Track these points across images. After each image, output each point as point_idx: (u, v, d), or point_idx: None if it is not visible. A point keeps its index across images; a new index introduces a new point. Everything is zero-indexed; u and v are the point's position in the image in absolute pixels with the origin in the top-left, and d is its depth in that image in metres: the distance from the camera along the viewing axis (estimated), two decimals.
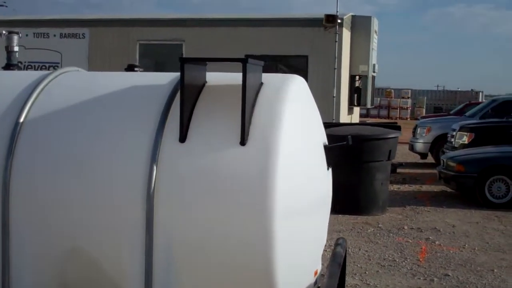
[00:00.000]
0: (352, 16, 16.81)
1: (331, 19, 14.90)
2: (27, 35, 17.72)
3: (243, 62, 3.68)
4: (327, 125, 12.84)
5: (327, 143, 4.47)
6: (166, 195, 3.75)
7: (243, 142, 3.71)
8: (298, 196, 3.85)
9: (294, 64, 16.04)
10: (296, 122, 3.94)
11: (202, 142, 3.80)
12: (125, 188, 3.81)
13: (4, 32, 4.85)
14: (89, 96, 4.16)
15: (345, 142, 4.28)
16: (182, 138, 3.81)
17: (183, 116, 3.79)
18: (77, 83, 4.38)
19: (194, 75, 3.95)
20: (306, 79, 14.28)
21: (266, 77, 4.17)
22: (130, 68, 4.67)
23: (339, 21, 15.17)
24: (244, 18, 16.07)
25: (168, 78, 4.21)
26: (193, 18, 16.52)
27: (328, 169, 4.41)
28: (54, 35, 17.49)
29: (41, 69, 17.65)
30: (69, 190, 3.89)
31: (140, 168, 3.79)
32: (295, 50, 15.59)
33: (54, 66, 17.55)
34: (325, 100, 15.29)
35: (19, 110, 4.11)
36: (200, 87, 4.03)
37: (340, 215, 10.60)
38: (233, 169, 3.69)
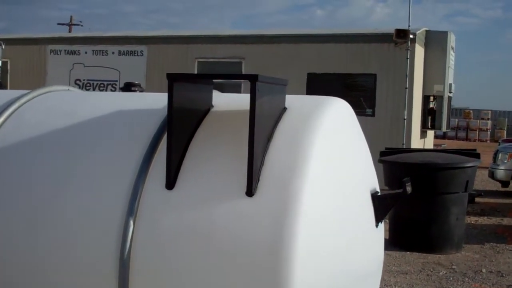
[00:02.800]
0: (426, 31, 15.43)
1: (402, 34, 13.62)
2: (86, 52, 17.38)
3: (251, 80, 2.63)
4: (395, 151, 11.64)
5: (377, 189, 3.33)
6: (144, 261, 2.73)
7: (250, 192, 2.65)
8: (327, 274, 2.74)
9: (361, 83, 14.82)
10: (329, 165, 2.85)
11: (195, 189, 2.77)
12: (93, 252, 2.81)
13: None
14: (64, 124, 3.20)
15: (401, 190, 3.15)
16: (169, 183, 2.78)
17: (171, 153, 2.78)
18: (55, 107, 3.43)
19: (192, 98, 2.93)
20: (374, 99, 13.04)
21: (293, 101, 3.10)
22: (127, 87, 3.71)
23: (411, 36, 13.85)
24: (307, 34, 15.03)
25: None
26: (253, 34, 15.63)
27: (377, 226, 3.27)
28: (113, 53, 17.00)
29: (99, 87, 17.21)
30: (23, 250, 2.93)
31: (113, 225, 2.79)
32: (362, 68, 14.37)
33: (113, 84, 17.05)
34: (394, 123, 14.01)
35: None
36: (201, 114, 3.00)
37: (407, 253, 9.40)
38: (234, 229, 2.63)
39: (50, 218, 2.90)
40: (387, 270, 8.86)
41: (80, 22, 40.63)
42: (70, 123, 3.19)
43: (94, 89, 17.16)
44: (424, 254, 9.49)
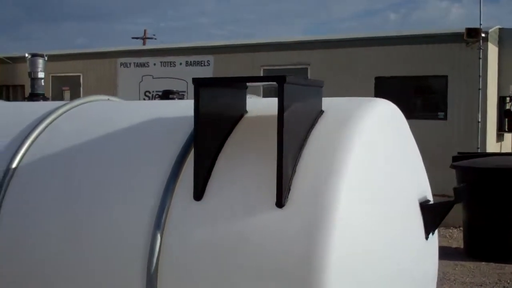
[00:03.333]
0: (500, 29, 14.70)
1: (473, 34, 13.01)
2: (154, 64, 17.62)
3: (279, 82, 2.45)
4: (469, 156, 11.09)
5: (428, 198, 3.06)
6: (172, 276, 2.59)
7: (280, 203, 2.46)
8: None
9: (432, 86, 14.27)
10: (367, 173, 2.62)
11: (223, 201, 2.61)
12: (121, 265, 2.70)
13: (27, 55, 3.98)
14: (97, 134, 3.12)
15: (453, 200, 2.87)
16: (197, 194, 2.63)
17: (198, 162, 2.63)
18: (90, 118, 3.37)
19: (222, 103, 2.77)
20: (445, 102, 12.47)
21: (332, 103, 2.90)
22: (165, 95, 3.60)
23: (483, 35, 13.21)
24: (373, 37, 14.59)
25: None
26: (318, 40, 15.34)
27: (427, 238, 2.99)
28: (180, 63, 17.14)
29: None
30: (56, 262, 2.86)
31: (140, 238, 2.66)
32: (432, 70, 13.82)
33: (181, 94, 17.18)
34: (468, 126, 13.40)
35: (13, 152, 3.18)
36: (233, 120, 2.84)
37: (483, 264, 8.93)
38: (263, 243, 2.45)
39: (80, 232, 2.82)
40: (461, 282, 8.42)
41: (154, 35, 41.43)
42: (103, 133, 3.10)
43: None
44: (501, 264, 8.98)
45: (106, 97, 3.79)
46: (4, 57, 18.34)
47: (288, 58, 15.34)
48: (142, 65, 17.78)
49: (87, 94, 18.59)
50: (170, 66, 17.28)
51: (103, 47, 20.40)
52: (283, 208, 2.46)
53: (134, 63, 17.99)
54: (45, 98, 3.86)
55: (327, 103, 2.89)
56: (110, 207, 2.80)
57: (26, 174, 3.10)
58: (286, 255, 2.38)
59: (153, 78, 17.63)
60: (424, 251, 3.01)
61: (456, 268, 9.58)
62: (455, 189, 2.88)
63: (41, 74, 3.86)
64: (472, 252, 10.27)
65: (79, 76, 18.70)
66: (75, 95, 18.59)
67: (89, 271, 2.76)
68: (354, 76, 14.34)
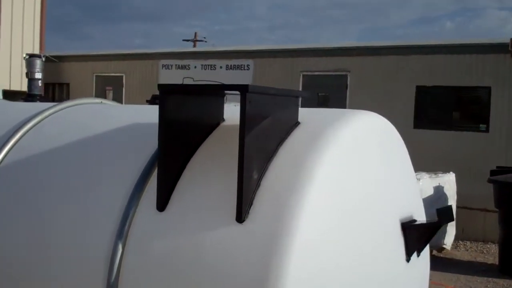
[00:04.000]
0: None
1: None
2: (195, 67, 17.68)
3: (241, 91, 2.32)
4: (508, 170, 10.69)
5: (418, 218, 2.87)
6: (132, 286, 2.50)
7: (239, 217, 2.34)
8: None
9: (474, 97, 13.83)
10: (337, 190, 2.47)
11: (186, 213, 2.50)
12: (83, 275, 2.63)
13: (24, 55, 3.97)
14: (72, 140, 3.06)
15: (436, 221, 2.68)
16: (160, 205, 2.54)
17: (162, 172, 2.53)
18: (73, 121, 3.31)
19: (194, 111, 2.67)
20: (488, 114, 12.11)
21: (312, 114, 2.76)
22: (153, 100, 3.52)
23: None
24: (416, 45, 14.22)
25: None
26: (359, 46, 15.07)
27: (408, 260, 2.81)
28: (221, 67, 17.15)
29: None
30: (21, 267, 2.81)
31: (102, 248, 2.58)
32: (475, 81, 13.40)
33: None
34: (510, 139, 12.94)
35: None
36: (207, 129, 2.74)
37: None
38: (221, 258, 2.33)
39: (44, 239, 2.75)
40: None
41: (204, 38, 41.64)
42: (78, 138, 3.05)
43: None
44: None
45: (99, 100, 3.74)
46: (50, 56, 18.70)
47: (328, 64, 15.15)
48: (183, 67, 17.86)
49: (129, 94, 18.78)
50: (211, 69, 17.31)
51: (147, 49, 20.60)
52: (243, 223, 2.34)
53: (176, 65, 18.09)
54: (42, 99, 3.84)
55: (307, 114, 2.76)
56: (75, 214, 2.73)
57: (3, 175, 3.07)
58: (240, 275, 2.26)
59: (193, 80, 17.68)
60: (404, 275, 2.83)
61: (488, 286, 9.26)
62: (438, 210, 2.69)
63: (38, 75, 3.83)
64: (506, 269, 9.88)
65: (122, 76, 18.92)
66: (117, 95, 18.82)
67: (52, 278, 2.69)
68: (395, 84, 14.03)
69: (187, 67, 17.80)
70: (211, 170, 2.57)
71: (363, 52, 14.81)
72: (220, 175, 2.54)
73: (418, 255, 2.89)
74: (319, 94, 15.33)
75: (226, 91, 2.54)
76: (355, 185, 2.56)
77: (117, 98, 18.12)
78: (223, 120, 2.82)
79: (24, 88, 15.87)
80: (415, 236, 2.77)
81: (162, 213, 2.53)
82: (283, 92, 2.58)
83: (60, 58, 20.53)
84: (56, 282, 2.66)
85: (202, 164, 2.61)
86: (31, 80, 3.86)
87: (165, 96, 2.52)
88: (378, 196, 2.70)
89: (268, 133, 2.48)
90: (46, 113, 3.37)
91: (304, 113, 2.76)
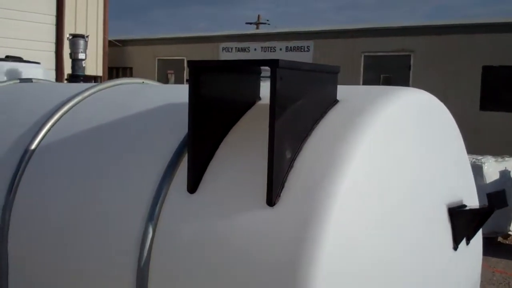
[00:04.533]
0: None
1: None
2: (255, 49, 17.59)
3: (272, 67, 2.19)
4: None
5: (468, 203, 2.68)
6: (162, 270, 2.43)
7: (270, 201, 2.22)
8: None
9: None
10: (377, 172, 2.31)
11: (217, 194, 2.39)
12: (112, 258, 2.57)
13: (68, 36, 3.94)
14: (107, 120, 3.01)
15: (486, 206, 2.48)
16: (191, 187, 2.44)
17: (193, 153, 2.43)
18: (112, 101, 3.26)
19: (227, 90, 2.55)
20: None
21: (352, 92, 2.61)
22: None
23: None
24: (482, 23, 13.63)
25: None
26: (423, 25, 14.58)
27: (456, 248, 2.62)
28: (280, 49, 16.99)
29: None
30: (50, 253, 2.79)
31: (133, 229, 2.52)
32: None
33: None
34: None
35: (33, 133, 3.14)
36: (242, 108, 2.62)
37: None
38: (252, 242, 2.22)
39: (77, 219, 2.72)
40: None
41: (267, 20, 41.30)
42: (114, 118, 2.99)
43: None
44: None
45: (140, 80, 3.68)
46: (114, 40, 19.00)
47: (390, 45, 14.76)
48: (243, 50, 17.80)
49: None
50: (270, 51, 17.18)
51: (207, 32, 20.63)
52: (274, 207, 2.21)
53: (236, 47, 18.05)
54: (86, 79, 3.81)
55: (347, 91, 2.60)
56: (109, 196, 2.68)
57: (41, 157, 3.05)
58: (269, 261, 2.14)
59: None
60: (452, 263, 2.64)
61: None
62: (488, 194, 2.49)
63: (81, 55, 3.80)
64: None
65: (183, 59, 19.03)
66: (179, 79, 18.96)
67: (86, 258, 2.65)
68: (460, 64, 13.52)
69: (247, 50, 17.73)
70: (244, 151, 2.46)
71: (427, 31, 14.34)
72: (253, 156, 2.42)
73: (467, 243, 2.69)
74: (382, 75, 14.98)
75: (262, 67, 2.41)
76: (398, 167, 2.39)
77: (179, 82, 18.26)
78: (259, 98, 2.69)
79: (89, 71, 16.20)
80: (464, 222, 2.58)
81: (193, 195, 2.44)
82: (318, 67, 2.42)
83: (124, 43, 20.84)
84: (89, 263, 2.62)
85: (235, 145, 2.50)
86: (74, 60, 3.84)
87: (196, 74, 2.41)
88: (423, 179, 2.51)
89: (302, 111, 2.34)
90: (86, 93, 3.34)
91: (344, 91, 2.60)
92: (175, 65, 19.34)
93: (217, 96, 2.51)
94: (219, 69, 2.50)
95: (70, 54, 3.93)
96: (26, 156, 3.08)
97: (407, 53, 14.58)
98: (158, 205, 2.49)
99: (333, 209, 2.14)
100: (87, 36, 3.94)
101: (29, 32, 13.85)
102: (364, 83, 15.07)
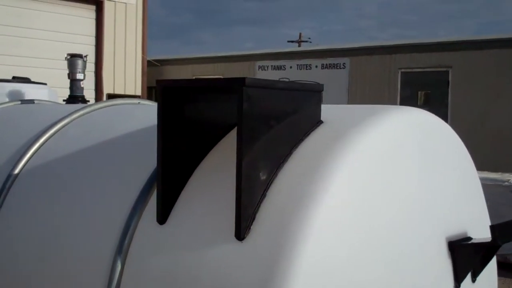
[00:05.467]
0: None
1: None
2: (291, 67, 17.42)
3: (237, 86, 1.99)
4: None
5: (470, 234, 2.41)
6: None
7: (238, 234, 2.01)
8: None
9: None
10: (362, 201, 2.07)
11: (185, 225, 2.20)
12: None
13: (66, 55, 3.82)
14: (92, 143, 2.86)
15: (491, 240, 2.21)
16: (160, 217, 2.25)
17: (162, 181, 2.24)
18: (99, 123, 3.12)
19: (199, 111, 2.36)
20: None
21: (339, 111, 2.39)
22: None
23: None
24: None
25: None
26: (462, 40, 14.15)
27: (458, 286, 2.33)
28: (316, 66, 16.77)
29: None
30: (32, 267, 2.64)
31: (102, 261, 2.34)
32: None
33: None
34: None
35: (18, 158, 3.02)
36: (220, 130, 2.42)
37: None
38: (220, 277, 2.01)
39: (46, 251, 2.56)
40: None
41: (309, 38, 41.20)
42: (97, 142, 2.84)
43: None
44: None
45: (137, 100, 3.53)
46: (153, 60, 19.11)
47: (428, 61, 14.38)
48: (279, 68, 17.65)
49: None
50: (306, 69, 16.98)
51: (243, 51, 20.57)
52: (243, 241, 2.00)
53: (271, 66, 17.91)
54: (83, 100, 3.69)
55: (334, 111, 2.38)
56: (80, 226, 2.51)
57: (25, 179, 2.93)
58: None
59: (289, 81, 17.42)
60: None
61: None
62: (492, 227, 2.21)
63: (79, 76, 3.68)
64: None
65: (220, 78, 18.99)
66: None
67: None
68: (503, 80, 13.04)
69: (282, 68, 17.58)
70: (219, 178, 2.26)
71: (465, 46, 13.91)
72: (228, 184, 2.21)
73: (473, 280, 2.41)
74: (419, 92, 14.60)
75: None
76: (385, 196, 2.15)
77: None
78: None
79: (128, 91, 16.27)
80: (467, 257, 2.30)
81: (163, 226, 2.24)
82: (297, 86, 2.21)
83: (162, 62, 20.96)
84: None
85: (210, 171, 2.30)
86: (72, 81, 3.73)
87: (166, 95, 2.22)
88: (416, 209, 2.25)
89: (279, 134, 2.13)
90: (75, 115, 3.20)
91: (331, 111, 2.38)
92: None
93: (192, 119, 2.32)
94: (192, 89, 2.31)
95: (68, 74, 3.82)
96: (8, 181, 2.96)
97: (445, 69, 14.16)
98: (128, 236, 2.31)
99: (306, 244, 1.91)
100: (86, 56, 3.83)
101: (69, 52, 14.02)
102: (402, 100, 14.71)
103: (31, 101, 4.15)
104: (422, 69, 14.51)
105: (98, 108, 3.31)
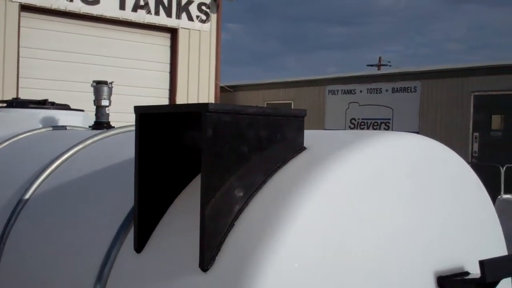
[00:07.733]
0: None
1: None
2: (361, 91, 17.18)
3: (201, 112, 1.93)
4: None
5: (473, 269, 2.22)
6: None
7: (202, 265, 1.93)
8: None
9: None
10: (337, 235, 1.95)
11: (158, 255, 2.15)
12: None
13: (92, 82, 3.89)
14: (95, 168, 2.88)
15: (479, 277, 2.02)
16: (137, 246, 2.21)
17: (138, 209, 2.20)
18: (108, 149, 3.14)
19: (179, 138, 2.31)
20: None
21: (326, 138, 2.28)
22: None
23: None
24: None
25: None
26: None
27: None
28: (386, 90, 16.45)
29: (373, 125, 16.80)
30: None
31: None
32: None
33: (386, 122, 16.49)
34: None
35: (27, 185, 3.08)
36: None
37: None
38: None
39: (42, 270, 2.57)
40: None
41: (389, 62, 40.48)
42: (94, 170, 2.86)
43: (368, 128, 16.81)
44: None
45: None
46: (226, 86, 19.35)
47: (502, 83, 13.80)
48: (349, 92, 17.45)
49: None
50: (376, 93, 16.69)
51: (313, 75, 20.49)
52: (207, 272, 1.92)
53: (342, 90, 17.73)
54: (109, 126, 3.73)
55: (321, 138, 2.27)
56: (65, 255, 2.52)
57: (32, 204, 2.98)
58: None
59: (359, 105, 17.18)
60: None
61: None
62: (480, 262, 2.01)
63: (105, 102, 3.73)
64: None
65: (291, 103, 18.96)
66: None
67: None
68: None
69: (352, 92, 17.37)
70: (196, 206, 2.19)
71: None
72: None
73: None
74: (493, 115, 14.02)
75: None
76: (362, 228, 2.01)
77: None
78: None
79: None
80: None
81: (139, 254, 2.20)
82: (274, 112, 2.12)
83: (235, 88, 21.18)
84: None
85: (190, 199, 2.24)
86: (98, 107, 3.79)
87: (142, 121, 2.19)
88: (400, 241, 2.09)
89: (252, 162, 2.05)
90: (88, 142, 3.24)
91: (318, 137, 2.27)
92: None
93: (173, 145, 2.28)
94: (168, 115, 2.26)
95: (94, 101, 3.88)
96: (18, 207, 3.01)
97: None
98: (108, 264, 2.29)
99: (266, 277, 1.81)
100: (111, 83, 3.88)
101: (145, 79, 14.35)
102: (475, 124, 14.17)
103: (64, 127, 4.24)
104: (496, 92, 13.94)
105: (110, 135, 3.33)
